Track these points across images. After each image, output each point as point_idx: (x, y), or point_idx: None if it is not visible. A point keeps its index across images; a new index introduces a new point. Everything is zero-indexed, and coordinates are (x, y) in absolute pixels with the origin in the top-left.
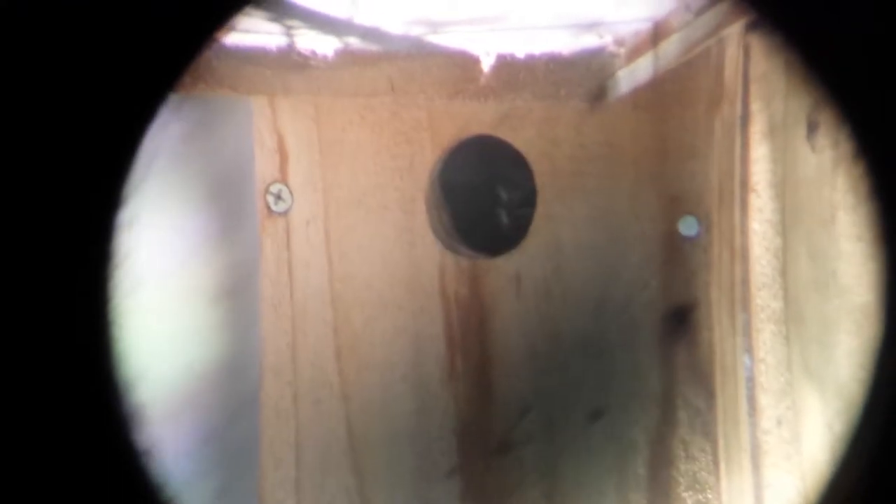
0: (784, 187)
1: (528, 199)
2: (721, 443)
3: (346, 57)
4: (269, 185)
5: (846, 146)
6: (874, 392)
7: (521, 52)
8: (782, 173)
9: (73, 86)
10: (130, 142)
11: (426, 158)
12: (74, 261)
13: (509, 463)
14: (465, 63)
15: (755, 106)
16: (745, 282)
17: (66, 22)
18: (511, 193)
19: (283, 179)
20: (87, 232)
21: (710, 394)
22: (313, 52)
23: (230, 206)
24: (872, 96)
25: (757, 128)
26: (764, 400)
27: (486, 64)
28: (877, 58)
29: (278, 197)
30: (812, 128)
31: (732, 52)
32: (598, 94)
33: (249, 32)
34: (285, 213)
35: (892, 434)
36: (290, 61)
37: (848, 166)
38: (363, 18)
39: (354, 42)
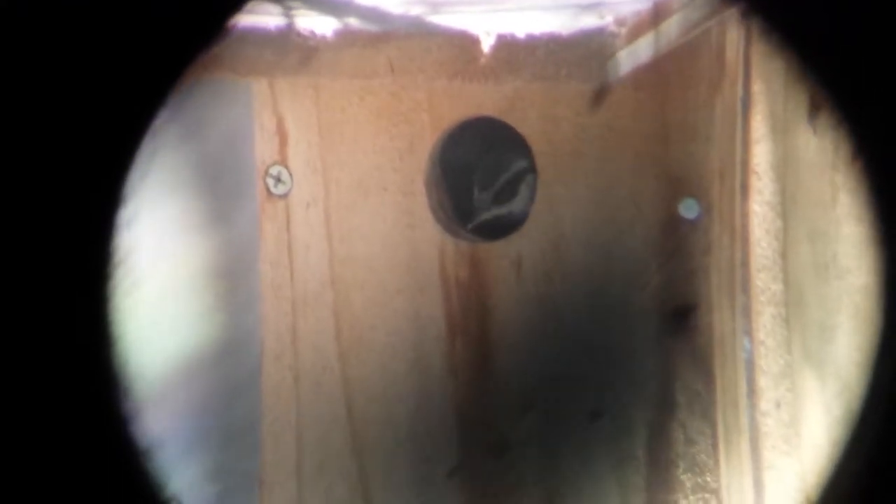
0: (785, 169)
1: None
2: (720, 426)
3: (346, 38)
4: (268, 167)
5: (845, 143)
6: (876, 380)
7: (521, 33)
8: (783, 155)
9: (77, 84)
10: (133, 137)
11: (426, 140)
12: (76, 259)
13: (510, 446)
14: (464, 44)
15: (756, 87)
16: (745, 264)
17: (70, 20)
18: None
19: (283, 162)
20: (88, 230)
21: (709, 377)
22: (313, 33)
23: (229, 189)
24: (870, 95)
25: (758, 109)
26: (763, 382)
27: (486, 44)
28: (873, 57)
29: (278, 179)
30: (813, 111)
31: (733, 33)
32: (600, 91)
33: (248, 13)
34: (285, 196)
35: (894, 422)
36: (289, 42)
37: (847, 159)
38: None
39: (354, 22)
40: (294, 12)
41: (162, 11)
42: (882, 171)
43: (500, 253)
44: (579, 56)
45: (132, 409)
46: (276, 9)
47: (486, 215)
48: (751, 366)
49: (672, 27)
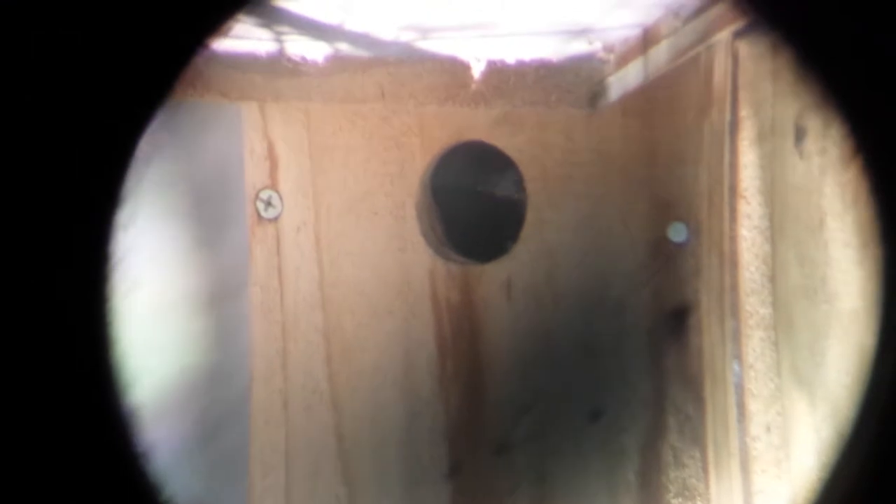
0: (773, 194)
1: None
2: (710, 449)
3: (337, 63)
4: (259, 191)
5: (841, 147)
6: (868, 396)
7: (511, 59)
8: (771, 180)
9: (71, 91)
10: (127, 145)
11: (417, 164)
12: (73, 262)
13: (500, 469)
14: (455, 69)
15: (744, 112)
16: (735, 288)
17: (64, 30)
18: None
19: (274, 186)
20: (85, 233)
21: (699, 400)
22: (303, 58)
23: (220, 212)
24: (869, 94)
25: (745, 134)
26: (753, 406)
27: (477, 70)
28: (873, 57)
29: (268, 203)
30: (800, 135)
31: (721, 59)
32: (594, 97)
33: (239, 38)
34: (275, 220)
35: (887, 439)
36: (280, 67)
37: (836, 172)
38: (353, 24)
39: (345, 48)
40: (284, 37)
41: (149, 22)
42: (881, 170)
43: (490, 275)
44: (569, 81)
45: (130, 410)
46: (266, 34)
47: (516, 196)
48: (740, 389)
49: (660, 53)
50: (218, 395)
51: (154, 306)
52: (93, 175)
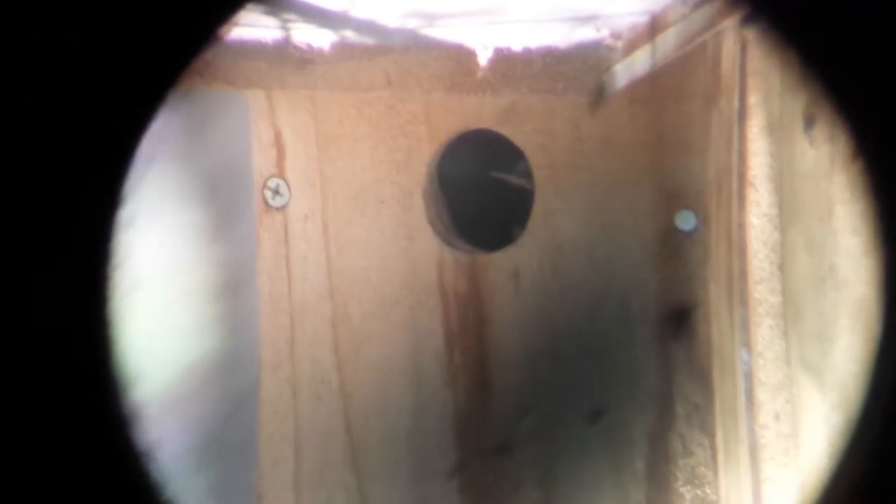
0: (782, 181)
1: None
2: (719, 437)
3: (343, 51)
4: (266, 179)
5: (844, 144)
6: (874, 387)
7: (518, 46)
8: (780, 168)
9: (74, 86)
10: (130, 141)
11: (423, 152)
12: (74, 260)
13: (507, 459)
14: (461, 57)
15: (752, 100)
16: (743, 276)
17: (68, 22)
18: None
19: (281, 174)
20: (87, 231)
21: (707, 389)
22: (310, 46)
23: (227, 201)
24: (870, 94)
25: (754, 122)
26: (762, 394)
27: (483, 57)
28: (874, 56)
29: (276, 191)
30: (809, 122)
31: (729, 46)
32: (598, 92)
33: (245, 26)
34: (283, 208)
35: (893, 429)
36: (286, 55)
37: (845, 160)
38: (359, 11)
39: (350, 35)
40: (290, 25)
41: (155, 15)
42: (882, 170)
43: (498, 265)
44: (576, 69)
45: (132, 409)
46: (272, 21)
47: (525, 185)
48: (749, 378)
49: (668, 40)
50: (228, 385)
51: (165, 297)
52: (94, 173)
